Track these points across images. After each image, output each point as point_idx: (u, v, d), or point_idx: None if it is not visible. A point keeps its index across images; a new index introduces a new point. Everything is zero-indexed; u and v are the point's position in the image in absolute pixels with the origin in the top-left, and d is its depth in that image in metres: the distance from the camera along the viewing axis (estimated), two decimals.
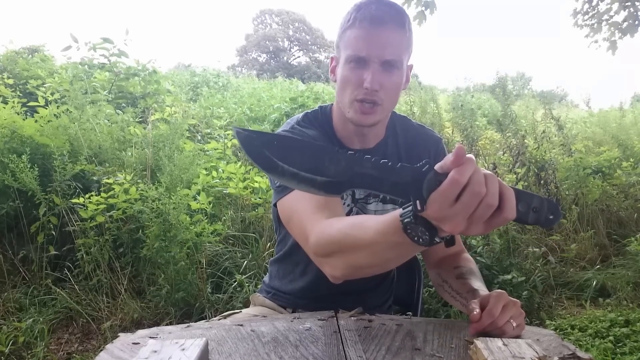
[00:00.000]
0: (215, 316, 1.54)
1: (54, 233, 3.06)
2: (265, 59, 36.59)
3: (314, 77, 23.71)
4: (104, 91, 4.89)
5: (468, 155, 0.66)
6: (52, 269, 3.11)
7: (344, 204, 1.22)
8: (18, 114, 3.56)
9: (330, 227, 0.91)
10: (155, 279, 3.00)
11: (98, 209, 2.98)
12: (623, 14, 5.35)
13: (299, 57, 37.39)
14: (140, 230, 3.10)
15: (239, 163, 3.83)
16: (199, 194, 3.27)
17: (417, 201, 0.68)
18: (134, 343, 0.84)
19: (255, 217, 3.61)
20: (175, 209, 2.92)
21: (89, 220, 2.98)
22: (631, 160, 4.89)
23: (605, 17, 5.47)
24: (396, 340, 0.86)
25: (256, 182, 3.68)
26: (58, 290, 2.94)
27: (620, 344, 2.66)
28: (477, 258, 3.11)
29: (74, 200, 3.04)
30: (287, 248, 1.30)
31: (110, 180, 3.09)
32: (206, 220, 3.16)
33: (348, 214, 1.22)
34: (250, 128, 5.52)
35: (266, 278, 1.40)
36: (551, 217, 0.73)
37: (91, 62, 5.60)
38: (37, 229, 3.07)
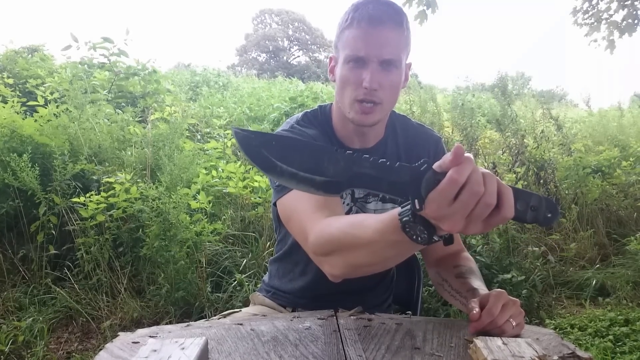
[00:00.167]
0: (215, 315, 1.54)
1: (53, 232, 3.06)
2: (265, 58, 36.57)
3: (314, 77, 23.69)
4: (103, 91, 4.88)
5: (466, 155, 0.66)
6: (51, 268, 3.11)
7: (344, 203, 1.22)
8: (18, 114, 3.56)
9: (330, 226, 0.91)
10: (155, 278, 3.00)
11: (98, 208, 2.98)
12: (622, 13, 5.35)
13: (298, 56, 37.38)
14: (140, 230, 3.10)
15: (239, 162, 3.83)
16: (198, 193, 3.27)
17: (416, 200, 0.69)
18: (133, 342, 0.84)
19: (255, 217, 3.61)
20: (175, 208, 2.92)
21: (89, 220, 2.98)
22: (631, 159, 4.89)
23: (605, 15, 5.47)
24: (396, 339, 0.86)
25: (256, 181, 3.68)
26: (58, 289, 2.94)
27: (619, 343, 2.66)
28: (477, 257, 3.12)
29: (74, 200, 3.04)
30: (286, 247, 1.30)
31: (112, 179, 3.09)
32: (206, 220, 3.16)
33: (347, 213, 1.22)
34: (249, 128, 5.53)
35: (266, 277, 1.40)
36: (549, 215, 0.73)
37: (91, 62, 5.60)
38: (37, 228, 3.07)
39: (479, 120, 6.40)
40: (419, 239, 0.72)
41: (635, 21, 5.34)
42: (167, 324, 2.29)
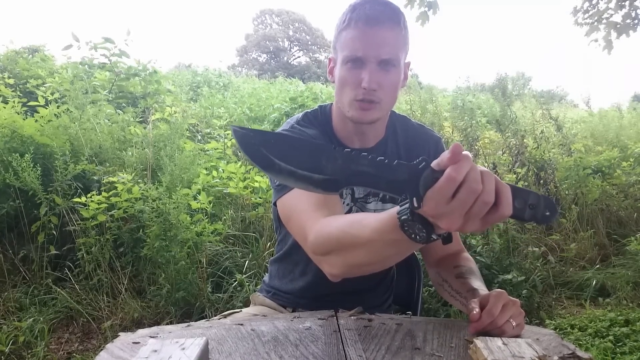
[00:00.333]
0: (215, 315, 1.54)
1: (54, 233, 3.07)
2: (266, 59, 36.59)
3: (314, 77, 23.71)
4: (104, 91, 4.89)
5: (464, 153, 0.67)
6: (52, 269, 3.11)
7: (344, 203, 1.23)
8: (18, 114, 3.56)
9: (329, 225, 0.91)
10: (156, 279, 3.00)
11: (99, 208, 2.98)
12: (621, 13, 5.35)
13: (299, 57, 37.41)
14: (141, 230, 3.10)
15: (239, 163, 3.84)
16: (199, 193, 3.28)
17: (414, 198, 0.69)
18: (134, 342, 0.84)
19: (256, 217, 3.62)
20: (176, 208, 2.93)
21: (89, 220, 2.98)
22: (630, 160, 4.89)
23: (606, 15, 5.46)
24: (396, 339, 0.86)
25: (256, 181, 3.68)
26: (58, 289, 2.94)
27: (620, 344, 2.66)
28: (477, 257, 3.12)
29: (75, 200, 3.04)
30: (287, 248, 1.30)
31: (114, 179, 3.09)
32: (206, 220, 3.16)
33: (347, 213, 1.22)
34: (247, 127, 5.52)
35: (266, 277, 1.40)
36: (548, 213, 0.73)
37: (91, 62, 5.61)
38: (37, 228, 3.07)
39: (479, 121, 6.40)
40: (418, 237, 0.72)
41: (636, 21, 5.33)
42: (167, 324, 2.29)
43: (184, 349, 0.73)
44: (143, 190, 3.07)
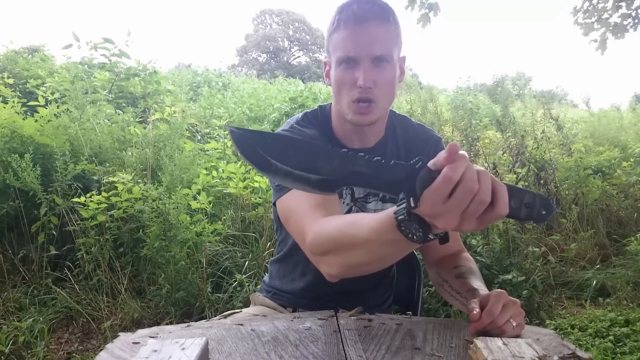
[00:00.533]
0: (215, 316, 1.54)
1: (54, 233, 3.07)
2: (265, 58, 36.59)
3: (314, 77, 23.71)
4: (104, 91, 4.89)
5: (461, 152, 0.67)
6: (52, 269, 3.11)
7: (344, 203, 1.23)
8: (18, 114, 3.56)
9: (327, 225, 0.91)
10: (156, 279, 3.00)
11: (99, 208, 2.98)
12: (617, 14, 5.35)
13: (299, 57, 37.41)
14: (141, 230, 3.10)
15: (239, 163, 3.83)
16: (199, 193, 3.28)
17: (411, 198, 0.69)
18: (134, 342, 0.84)
19: (255, 217, 3.61)
20: (176, 208, 2.93)
21: (89, 220, 2.98)
22: (631, 160, 4.89)
23: (605, 15, 5.46)
24: (396, 339, 0.86)
25: (256, 181, 3.68)
26: (58, 289, 2.94)
27: (620, 344, 2.66)
28: (477, 258, 3.12)
29: (75, 200, 3.04)
30: (287, 249, 1.30)
31: (115, 179, 3.09)
32: (206, 220, 3.16)
33: (347, 212, 1.22)
34: (246, 127, 5.52)
35: (266, 277, 1.40)
36: (544, 212, 0.73)
37: (91, 62, 5.61)
38: (37, 228, 3.07)
39: (480, 122, 6.41)
40: (415, 237, 0.72)
41: (636, 21, 5.33)
42: (167, 324, 2.29)
43: (184, 349, 0.73)
44: (143, 190, 3.07)
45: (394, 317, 1.02)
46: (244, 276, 3.06)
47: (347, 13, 1.08)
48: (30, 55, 6.07)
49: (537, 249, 3.56)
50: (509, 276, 3.06)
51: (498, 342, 0.77)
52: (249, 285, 3.00)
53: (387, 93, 1.14)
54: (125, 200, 3.04)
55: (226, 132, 4.81)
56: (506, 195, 0.70)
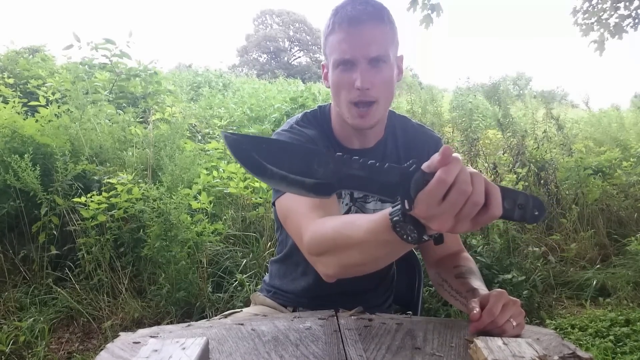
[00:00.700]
0: (215, 315, 1.55)
1: (55, 233, 3.07)
2: (266, 59, 36.61)
3: (315, 78, 23.71)
4: (104, 91, 4.89)
5: (454, 155, 0.67)
6: (52, 269, 3.11)
7: (343, 203, 1.23)
8: (19, 114, 3.56)
9: (324, 225, 0.92)
10: (156, 279, 3.00)
11: (99, 208, 2.98)
12: (615, 15, 5.35)
13: (299, 57, 37.43)
14: (141, 230, 3.10)
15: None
16: (199, 193, 3.28)
17: (405, 201, 0.70)
18: (134, 342, 0.84)
19: (256, 217, 3.62)
20: (176, 208, 2.93)
21: (90, 220, 2.98)
22: (631, 160, 4.88)
23: (605, 16, 5.46)
24: (396, 339, 0.86)
25: (256, 181, 3.68)
26: (59, 289, 2.94)
27: (620, 344, 2.66)
28: (477, 257, 3.12)
29: (75, 200, 3.04)
30: (287, 249, 1.30)
31: (114, 180, 3.09)
32: (207, 220, 3.16)
33: (347, 212, 1.22)
34: (250, 129, 5.52)
35: (267, 277, 1.40)
36: (536, 213, 0.74)
37: (91, 62, 5.61)
38: (38, 228, 3.07)
39: (478, 121, 6.40)
40: (409, 238, 0.73)
41: (636, 21, 5.33)
42: (168, 324, 2.29)
43: (184, 348, 0.73)
44: (144, 190, 3.07)
45: (394, 316, 1.02)
46: (244, 276, 3.06)
47: (342, 15, 1.09)
48: (31, 56, 6.07)
49: (537, 249, 3.56)
50: (509, 276, 3.06)
51: (498, 341, 0.77)
52: (249, 285, 3.00)
53: (385, 93, 1.14)
54: (126, 201, 3.05)
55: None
56: (499, 197, 0.71)
